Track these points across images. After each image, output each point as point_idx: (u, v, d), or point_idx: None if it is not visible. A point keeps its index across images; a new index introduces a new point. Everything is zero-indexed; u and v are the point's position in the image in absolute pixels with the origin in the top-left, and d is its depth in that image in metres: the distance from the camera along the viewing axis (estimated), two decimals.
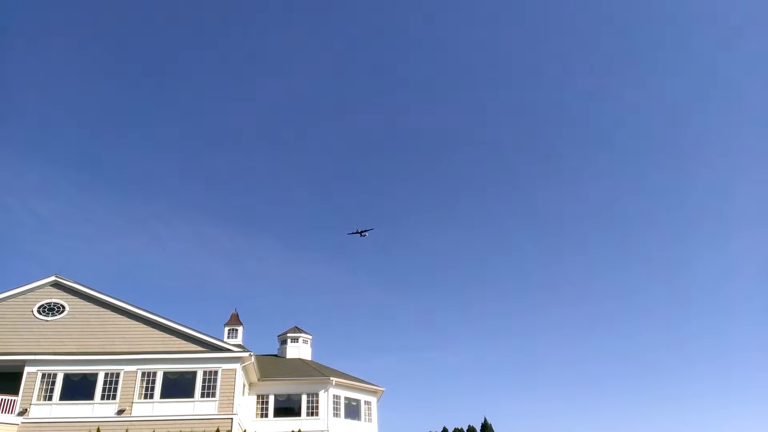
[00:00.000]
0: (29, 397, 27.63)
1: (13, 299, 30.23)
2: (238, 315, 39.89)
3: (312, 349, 41.04)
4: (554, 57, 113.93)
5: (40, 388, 28.00)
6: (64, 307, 30.40)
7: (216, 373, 29.36)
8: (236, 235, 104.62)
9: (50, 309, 30.30)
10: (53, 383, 28.22)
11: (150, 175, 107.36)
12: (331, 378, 35.10)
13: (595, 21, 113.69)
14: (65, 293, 30.82)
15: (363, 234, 53.02)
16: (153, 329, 30.41)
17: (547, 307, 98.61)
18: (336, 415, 34.75)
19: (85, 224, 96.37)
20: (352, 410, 36.36)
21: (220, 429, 26.82)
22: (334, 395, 35.14)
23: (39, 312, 30.10)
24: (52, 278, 30.97)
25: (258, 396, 34.60)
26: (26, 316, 29.91)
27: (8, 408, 26.97)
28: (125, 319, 30.58)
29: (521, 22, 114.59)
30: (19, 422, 26.84)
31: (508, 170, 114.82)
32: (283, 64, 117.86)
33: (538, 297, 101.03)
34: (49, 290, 30.81)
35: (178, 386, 29.06)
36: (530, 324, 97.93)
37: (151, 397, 28.48)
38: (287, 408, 34.73)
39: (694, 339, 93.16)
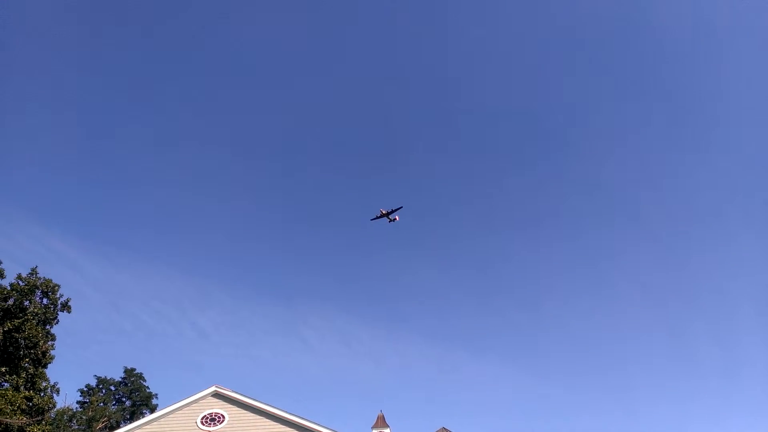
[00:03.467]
0: None
1: (179, 411, 32.06)
2: (383, 417, 39.06)
3: None
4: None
5: None
6: (224, 417, 31.62)
7: None
8: (376, 331, 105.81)
9: (212, 419, 31.64)
10: None
11: (288, 277, 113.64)
12: None
13: None
14: (224, 402, 32.17)
15: (391, 218, 43.05)
16: None
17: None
18: None
19: (237, 330, 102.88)
20: None
21: None
22: None
23: (202, 423, 31.51)
24: (213, 389, 32.60)
25: None
26: (191, 428, 31.41)
27: None
28: (279, 425, 31.06)
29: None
30: None
31: (658, 242, 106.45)
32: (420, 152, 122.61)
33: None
34: (210, 400, 32.37)
35: None
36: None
37: None
38: None
39: None
